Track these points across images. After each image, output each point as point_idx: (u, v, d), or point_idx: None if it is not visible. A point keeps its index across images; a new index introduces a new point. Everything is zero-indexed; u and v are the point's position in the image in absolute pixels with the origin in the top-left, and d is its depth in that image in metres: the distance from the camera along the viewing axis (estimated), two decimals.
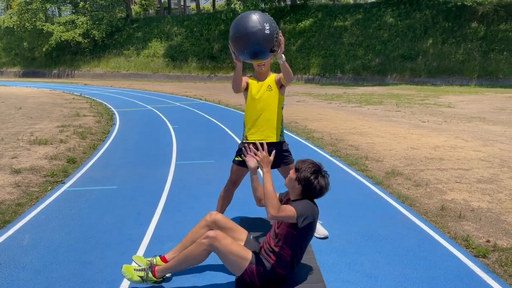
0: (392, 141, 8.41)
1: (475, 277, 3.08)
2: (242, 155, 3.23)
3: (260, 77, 3.60)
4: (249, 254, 2.80)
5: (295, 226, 2.75)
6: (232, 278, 3.00)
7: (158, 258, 3.07)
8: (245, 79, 3.56)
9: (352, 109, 14.48)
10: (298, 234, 2.77)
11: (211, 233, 2.74)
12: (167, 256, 3.06)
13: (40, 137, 8.61)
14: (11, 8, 48.82)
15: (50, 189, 5.23)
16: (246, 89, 3.57)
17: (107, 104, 16.09)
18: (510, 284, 2.99)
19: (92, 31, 40.19)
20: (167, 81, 34.73)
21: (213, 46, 38.35)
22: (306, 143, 8.28)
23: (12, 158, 6.82)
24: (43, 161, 6.61)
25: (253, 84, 3.57)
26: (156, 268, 2.83)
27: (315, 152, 7.42)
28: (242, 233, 3.06)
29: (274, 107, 3.56)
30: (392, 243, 3.66)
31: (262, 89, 3.55)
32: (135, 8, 50.80)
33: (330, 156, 7.09)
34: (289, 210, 2.70)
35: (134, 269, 2.81)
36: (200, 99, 18.20)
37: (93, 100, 17.87)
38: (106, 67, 40.18)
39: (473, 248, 3.53)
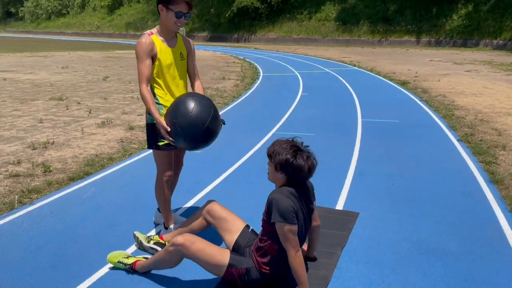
0: None
1: None
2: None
3: (171, 41, 2.91)
4: (225, 259, 2.43)
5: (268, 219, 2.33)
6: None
7: (156, 236, 2.98)
8: (149, 41, 2.80)
9: None
10: None
11: (179, 239, 2.45)
12: (164, 237, 2.96)
13: None
14: None
15: (146, 147, 5.62)
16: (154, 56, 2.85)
17: (259, 68, 16.60)
18: None
19: None
20: (334, 46, 33.94)
21: (388, 8, 35.63)
22: (439, 121, 7.02)
23: (138, 115, 7.60)
24: None
25: (162, 46, 2.86)
26: (137, 263, 2.70)
27: (441, 134, 6.23)
28: (238, 224, 2.69)
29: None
30: (452, 266, 2.78)
31: (175, 55, 2.92)
32: None
33: (458, 140, 5.85)
34: (289, 234, 2.29)
35: (118, 261, 2.73)
36: (354, 66, 17.22)
37: (250, 63, 18.65)
38: (280, 32, 41.39)
39: None
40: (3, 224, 3.39)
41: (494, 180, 4.30)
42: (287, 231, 2.27)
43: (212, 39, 48.26)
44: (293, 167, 2.32)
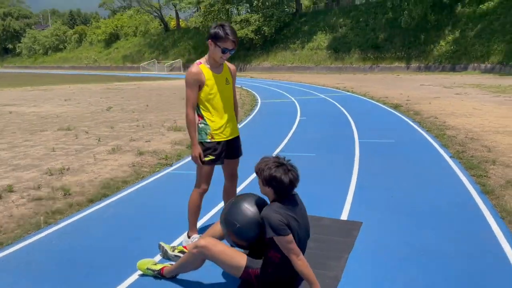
0: None
1: None
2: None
3: (218, 69, 3.28)
4: (243, 260, 2.71)
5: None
6: None
7: (180, 246, 3.26)
8: (198, 71, 3.18)
9: None
10: None
11: (201, 242, 2.75)
12: (188, 247, 3.16)
13: (179, 125, 9.74)
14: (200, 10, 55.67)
15: (157, 170, 5.94)
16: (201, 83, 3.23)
17: (256, 95, 17.10)
18: None
19: (263, 27, 42.82)
20: (327, 73, 34.79)
21: (378, 36, 36.74)
22: (432, 141, 7.39)
23: (146, 141, 7.94)
24: (167, 146, 7.51)
25: (209, 73, 3.21)
26: (165, 269, 2.96)
27: (434, 152, 6.59)
28: None
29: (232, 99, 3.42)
30: (449, 265, 3.07)
31: (221, 81, 3.27)
32: (304, 2, 52.10)
33: (450, 157, 6.20)
34: (288, 244, 2.56)
35: (147, 268, 2.99)
36: (348, 91, 17.77)
37: (247, 91, 19.18)
38: (274, 61, 42.38)
39: None
40: (33, 242, 3.67)
41: (485, 191, 4.63)
42: (284, 242, 2.55)
43: None
44: (276, 181, 2.62)
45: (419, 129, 8.56)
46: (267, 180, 2.65)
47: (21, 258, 3.37)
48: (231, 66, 3.45)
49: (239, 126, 9.53)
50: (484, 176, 5.21)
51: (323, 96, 16.13)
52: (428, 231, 3.66)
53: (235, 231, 2.71)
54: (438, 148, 6.86)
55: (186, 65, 52.44)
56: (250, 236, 2.71)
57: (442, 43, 33.02)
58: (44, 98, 17.97)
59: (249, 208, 2.75)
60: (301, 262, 2.57)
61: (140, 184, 5.30)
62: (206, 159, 3.28)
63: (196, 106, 3.26)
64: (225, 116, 3.31)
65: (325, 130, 8.80)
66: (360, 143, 7.37)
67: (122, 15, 71.03)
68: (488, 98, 13.90)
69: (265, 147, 7.24)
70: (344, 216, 4.07)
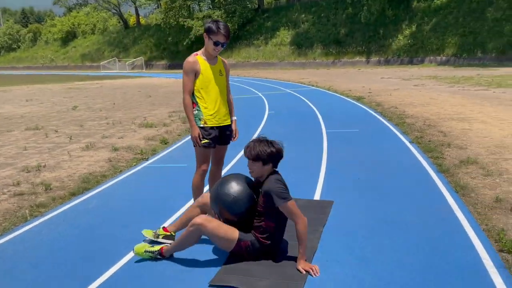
0: (494, 128, 7.51)
1: (481, 272, 2.81)
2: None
3: (213, 60, 3.62)
4: (235, 234, 3.01)
5: (267, 205, 2.96)
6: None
7: (161, 229, 3.45)
8: (195, 60, 3.52)
9: (474, 92, 13.06)
10: (277, 209, 2.93)
11: (197, 220, 3.00)
12: (168, 228, 3.45)
13: (150, 121, 9.85)
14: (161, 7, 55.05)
15: (134, 165, 6.10)
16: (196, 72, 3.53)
17: None
18: None
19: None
20: (291, 69, 35.39)
21: (339, 31, 37.69)
22: (393, 129, 7.91)
23: (119, 138, 8.04)
24: (140, 141, 7.65)
25: (205, 64, 3.55)
26: (163, 249, 3.15)
27: (396, 138, 7.09)
28: None
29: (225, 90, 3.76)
30: (411, 231, 3.47)
31: (215, 72, 3.61)
32: None
33: (410, 142, 6.70)
34: (293, 207, 2.92)
35: (145, 251, 3.17)
36: (313, 86, 18.30)
37: None
38: (238, 57, 42.58)
39: (502, 243, 3.16)
40: (23, 232, 3.80)
41: (441, 170, 5.11)
42: (291, 206, 2.91)
43: (171, 67, 48.80)
44: (278, 154, 3.04)
45: (381, 119, 9.08)
46: (270, 157, 3.00)
47: (15, 246, 3.50)
48: (225, 61, 3.83)
49: None
50: (440, 157, 5.71)
51: (289, 91, 16.55)
52: (391, 205, 4.07)
53: (230, 204, 2.99)
54: (399, 135, 7.36)
55: (148, 63, 51.80)
56: (244, 208, 3.01)
57: (400, 37, 34.29)
58: (4, 99, 17.46)
59: (240, 183, 3.08)
60: (303, 221, 2.91)
61: (119, 178, 5.45)
62: (203, 142, 3.62)
63: (191, 93, 3.56)
64: (218, 104, 3.64)
65: (294, 123, 9.17)
66: (328, 133, 7.78)
67: (78, 12, 69.08)
68: (443, 88, 14.74)
69: (238, 140, 7.50)
70: (317, 197, 4.42)
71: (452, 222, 3.65)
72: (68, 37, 67.02)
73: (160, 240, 3.44)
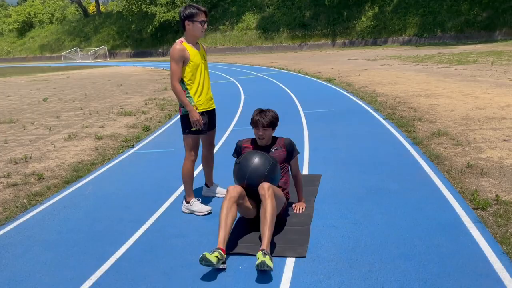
0: (459, 102, 8.03)
1: (461, 227, 3.18)
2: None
3: (197, 46, 3.68)
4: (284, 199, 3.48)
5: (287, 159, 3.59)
6: None
7: (220, 252, 2.78)
8: (183, 47, 3.53)
9: (437, 70, 13.70)
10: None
11: (266, 185, 3.07)
12: (222, 246, 2.85)
13: (127, 110, 9.88)
14: None
15: (121, 152, 6.21)
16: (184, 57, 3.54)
17: None
18: (493, 234, 3.04)
19: None
20: (259, 53, 35.54)
21: (304, 14, 38.04)
22: (366, 107, 8.30)
23: (99, 127, 8.07)
24: (123, 129, 7.72)
25: (192, 51, 3.58)
26: (221, 247, 2.83)
27: (370, 116, 7.47)
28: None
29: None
30: (395, 197, 3.82)
31: (201, 57, 3.68)
32: None
33: (383, 119, 7.09)
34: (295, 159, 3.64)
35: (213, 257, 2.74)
36: (283, 69, 18.58)
37: None
38: (205, 43, 41.56)
39: (476, 202, 3.55)
40: (27, 220, 3.91)
41: (416, 142, 5.51)
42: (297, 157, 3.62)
43: (136, 55, 47.92)
44: (277, 118, 3.59)
45: (354, 98, 9.47)
46: (276, 121, 3.54)
47: (22, 232, 3.62)
48: (204, 45, 3.88)
49: None
50: (413, 131, 6.12)
51: (260, 75, 16.77)
52: (374, 176, 4.41)
53: (269, 170, 3.23)
54: (372, 112, 7.76)
55: (112, 52, 50.59)
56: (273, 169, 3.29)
57: (364, 18, 35.02)
58: None
59: (254, 155, 3.31)
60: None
61: (109, 165, 5.57)
62: (193, 129, 3.66)
63: (180, 79, 3.61)
64: (206, 89, 3.74)
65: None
66: (305, 114, 8.09)
67: (33, 1, 66.33)
68: (408, 67, 15.34)
69: (219, 125, 7.68)
70: (305, 172, 4.72)
71: (430, 186, 4.02)
72: (25, 28, 64.41)
73: (220, 266, 2.82)
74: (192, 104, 3.65)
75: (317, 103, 9.14)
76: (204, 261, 2.70)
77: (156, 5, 44.64)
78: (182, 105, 3.66)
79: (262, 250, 2.78)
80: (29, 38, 63.03)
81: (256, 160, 3.24)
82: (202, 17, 3.55)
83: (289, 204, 3.70)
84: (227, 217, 2.98)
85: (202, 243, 3.22)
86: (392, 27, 33.00)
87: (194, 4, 3.60)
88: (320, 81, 13.20)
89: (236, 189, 3.13)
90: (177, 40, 3.65)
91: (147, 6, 44.45)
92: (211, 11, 43.53)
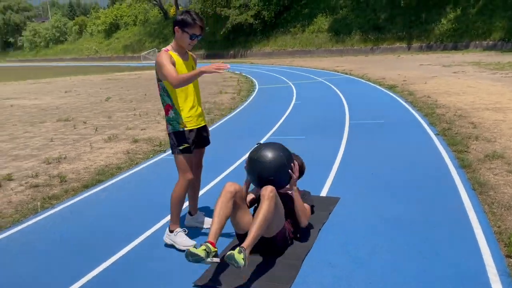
0: None
1: (482, 279, 2.60)
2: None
3: (185, 56, 3.28)
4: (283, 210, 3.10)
5: None
6: None
7: (208, 245, 2.66)
8: (170, 56, 3.16)
9: None
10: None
11: (269, 188, 2.86)
12: (212, 240, 2.73)
13: None
14: None
15: (151, 157, 6.17)
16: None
17: (255, 81, 17.23)
18: None
19: (262, 12, 42.60)
20: (329, 56, 34.69)
21: (379, 16, 36.46)
22: (421, 119, 7.55)
23: (141, 129, 8.17)
24: (162, 133, 7.73)
25: (178, 60, 3.20)
26: (211, 241, 2.70)
27: (421, 130, 6.76)
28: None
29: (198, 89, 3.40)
30: (413, 232, 3.27)
31: (189, 69, 3.27)
32: None
33: (436, 135, 6.37)
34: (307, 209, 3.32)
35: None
36: (346, 74, 17.84)
37: (246, 77, 19.30)
38: (274, 46, 42.25)
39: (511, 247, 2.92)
40: (30, 225, 3.92)
41: (463, 166, 4.81)
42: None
43: (208, 56, 49.17)
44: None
45: (410, 109, 8.69)
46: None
47: (19, 240, 3.62)
48: (194, 55, 3.48)
49: (235, 112, 9.75)
50: (465, 151, 5.38)
51: (321, 80, 16.22)
52: (399, 203, 3.86)
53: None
54: (425, 126, 7.02)
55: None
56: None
57: (444, 21, 32.73)
58: (46, 91, 18.23)
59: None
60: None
61: (134, 170, 5.53)
62: (181, 147, 3.25)
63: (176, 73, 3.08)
64: (195, 103, 3.30)
65: (317, 113, 8.96)
66: (350, 125, 7.53)
67: (121, 4, 70.82)
68: (485, 75, 13.94)
69: (257, 132, 7.42)
70: (324, 192, 4.28)
71: (461, 222, 3.41)
72: (112, 29, 68.97)
73: (211, 259, 2.65)
74: (179, 122, 3.22)
75: (368, 113, 8.51)
76: (191, 256, 2.54)
77: (229, 8, 45.43)
78: (170, 122, 3.28)
79: (241, 247, 2.57)
80: (115, 38, 67.40)
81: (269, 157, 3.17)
82: (194, 31, 3.14)
83: (291, 240, 3.27)
84: (221, 211, 2.83)
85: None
86: (475, 30, 30.43)
87: (194, 14, 3.15)
88: (380, 88, 12.40)
89: (234, 186, 2.94)
90: (163, 48, 3.29)
91: (221, 9, 45.41)
92: (283, 14, 43.42)
